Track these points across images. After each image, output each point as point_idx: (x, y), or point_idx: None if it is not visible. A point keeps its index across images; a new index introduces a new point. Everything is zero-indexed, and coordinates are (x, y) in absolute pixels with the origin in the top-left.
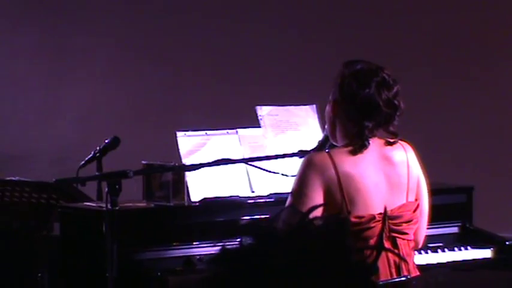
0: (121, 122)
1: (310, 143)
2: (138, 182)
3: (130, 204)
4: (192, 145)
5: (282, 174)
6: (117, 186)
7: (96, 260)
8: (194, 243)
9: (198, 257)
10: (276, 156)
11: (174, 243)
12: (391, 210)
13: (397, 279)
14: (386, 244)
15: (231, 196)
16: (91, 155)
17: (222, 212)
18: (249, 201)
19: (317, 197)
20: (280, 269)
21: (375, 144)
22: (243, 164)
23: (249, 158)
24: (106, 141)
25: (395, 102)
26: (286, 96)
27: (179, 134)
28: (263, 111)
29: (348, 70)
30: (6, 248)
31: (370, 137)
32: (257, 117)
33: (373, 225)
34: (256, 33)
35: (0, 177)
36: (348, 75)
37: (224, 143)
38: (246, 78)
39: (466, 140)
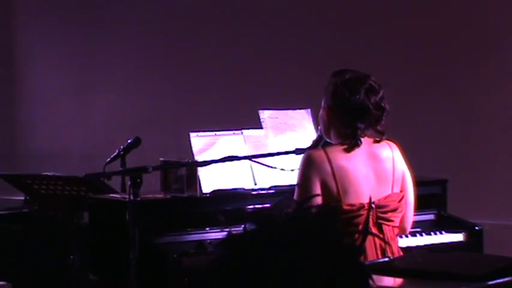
0: (142, 124)
1: (306, 142)
2: (156, 176)
3: (150, 195)
4: (203, 144)
5: (281, 169)
6: (138, 180)
7: (120, 243)
8: (205, 229)
9: (208, 241)
10: (276, 154)
11: (188, 229)
12: (378, 200)
13: (381, 260)
14: (374, 230)
15: (237, 188)
16: (116, 153)
17: (229, 202)
18: (253, 192)
19: (314, 189)
20: (279, 251)
21: (365, 142)
22: (247, 160)
23: (252, 155)
24: (129, 141)
25: (382, 104)
26: (285, 101)
27: (192, 134)
28: (265, 114)
29: (339, 79)
30: (43, 233)
31: (362, 137)
32: (259, 119)
33: (362, 212)
34: (258, 49)
35: (38, 173)
36: (339, 84)
37: (231, 142)
38: (249, 86)
39: (441, 140)
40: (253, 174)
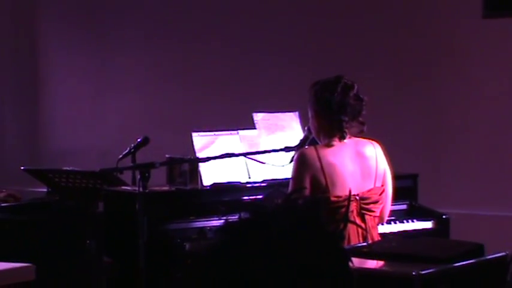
0: (150, 125)
1: (294, 141)
2: (162, 171)
3: (157, 187)
4: (203, 143)
5: (273, 165)
6: (147, 174)
7: (131, 230)
8: (206, 217)
9: (208, 228)
10: (268, 151)
11: (191, 217)
12: (362, 193)
13: (361, 245)
14: (358, 219)
15: (233, 181)
16: (127, 151)
17: (226, 194)
18: (247, 185)
19: (305, 183)
20: (270, 237)
21: (352, 142)
22: (242, 157)
23: (247, 152)
24: (139, 140)
25: (360, 96)
26: (276, 105)
27: (194, 134)
28: (258, 117)
29: (317, 86)
30: (63, 221)
31: (347, 128)
32: (253, 121)
33: (347, 203)
34: (253, 58)
35: (59, 168)
36: (318, 89)
37: (228, 141)
38: (245, 91)
39: (412, 136)
40: (247, 169)
